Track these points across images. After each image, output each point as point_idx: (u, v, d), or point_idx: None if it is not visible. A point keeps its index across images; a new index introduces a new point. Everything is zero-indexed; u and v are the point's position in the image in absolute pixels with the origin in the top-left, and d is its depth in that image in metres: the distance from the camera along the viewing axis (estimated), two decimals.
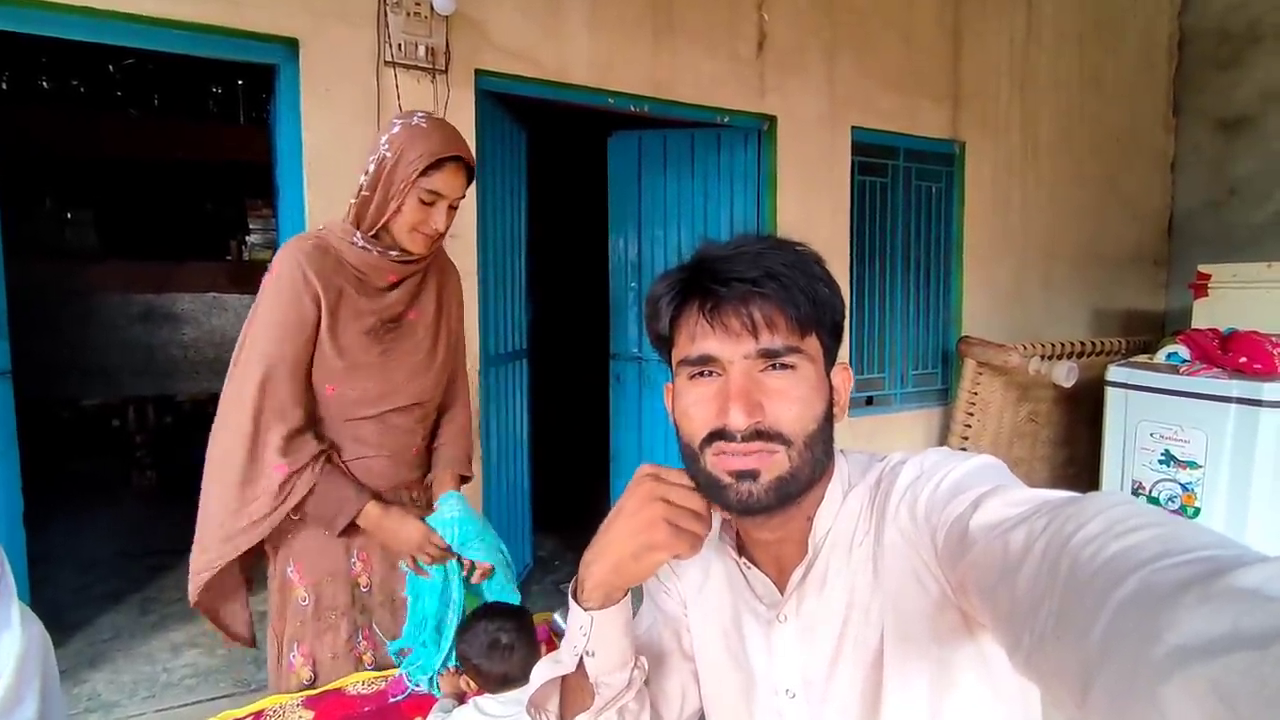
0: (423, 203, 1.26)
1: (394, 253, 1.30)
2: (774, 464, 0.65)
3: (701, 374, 0.68)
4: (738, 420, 0.64)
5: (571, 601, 0.73)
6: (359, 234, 1.30)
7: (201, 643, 2.70)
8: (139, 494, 4.57)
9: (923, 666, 0.64)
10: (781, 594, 0.73)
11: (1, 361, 2.39)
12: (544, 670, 0.76)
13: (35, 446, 3.25)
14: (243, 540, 1.21)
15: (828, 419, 0.69)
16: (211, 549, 1.22)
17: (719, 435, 0.65)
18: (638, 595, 0.81)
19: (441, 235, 1.31)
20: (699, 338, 0.67)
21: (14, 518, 2.40)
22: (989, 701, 0.65)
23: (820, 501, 0.71)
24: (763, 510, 0.66)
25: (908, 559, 0.64)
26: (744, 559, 0.76)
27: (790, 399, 0.65)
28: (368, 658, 1.37)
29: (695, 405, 0.67)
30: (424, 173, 1.24)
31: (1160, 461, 2.94)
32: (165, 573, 3.35)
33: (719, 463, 0.66)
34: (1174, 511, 2.86)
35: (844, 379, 0.73)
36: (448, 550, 1.27)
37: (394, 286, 1.33)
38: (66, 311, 4.77)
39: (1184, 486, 2.87)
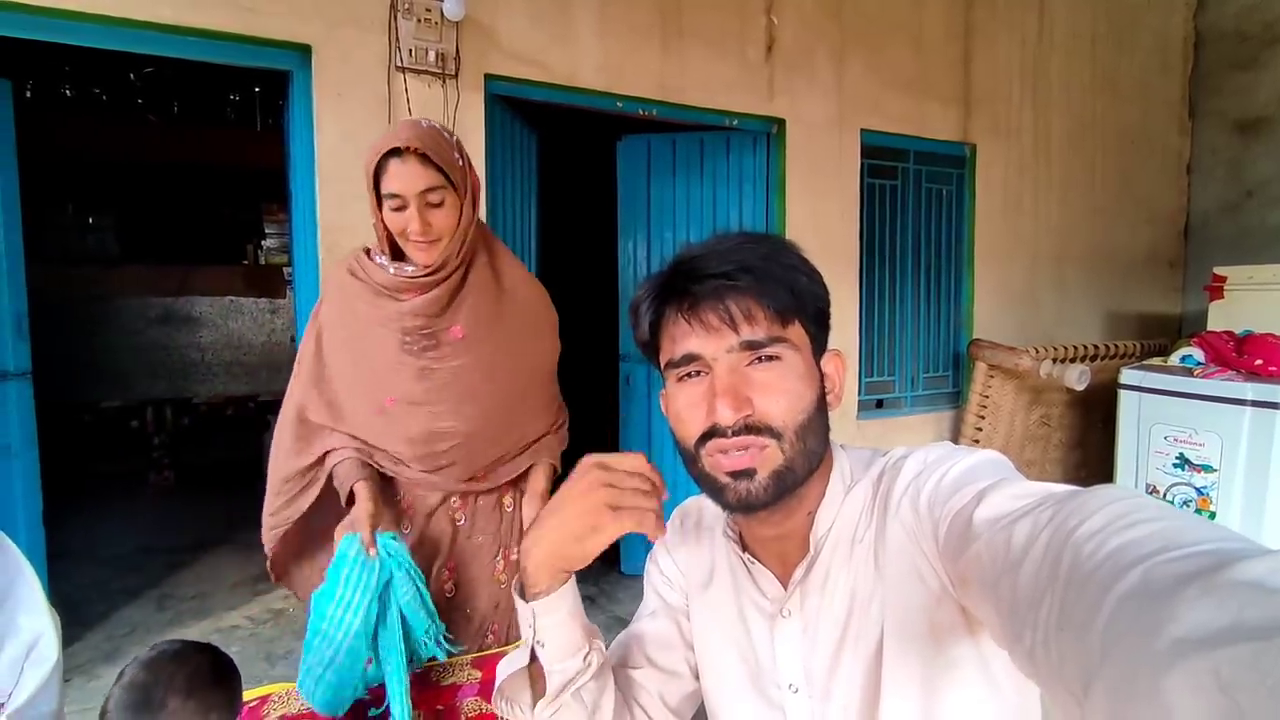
0: (394, 210, 1.20)
1: (409, 268, 1.26)
2: (768, 459, 0.65)
3: (689, 375, 0.68)
4: (725, 415, 0.64)
5: (515, 596, 0.72)
6: (380, 255, 1.29)
7: (214, 639, 2.72)
8: (156, 493, 4.64)
9: (920, 662, 0.64)
10: (785, 590, 0.73)
11: (22, 363, 2.45)
12: (507, 664, 0.77)
13: (56, 448, 3.32)
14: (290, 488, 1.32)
15: (820, 408, 0.69)
16: (272, 504, 1.34)
17: (711, 434, 0.66)
18: (635, 592, 0.81)
19: (440, 239, 1.22)
20: (680, 338, 0.67)
21: (34, 516, 2.45)
22: (986, 699, 0.64)
23: (821, 497, 0.71)
24: (762, 506, 0.66)
25: (909, 554, 0.64)
26: (748, 555, 0.76)
27: (778, 390, 0.65)
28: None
29: (686, 408, 0.68)
30: (377, 178, 1.19)
31: (1175, 465, 2.91)
32: (181, 570, 3.41)
33: (715, 463, 0.66)
34: None
35: (837, 365, 0.72)
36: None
37: (417, 297, 1.27)
38: (87, 315, 4.87)
39: (1199, 490, 2.83)
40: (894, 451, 0.72)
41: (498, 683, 0.77)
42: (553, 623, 0.71)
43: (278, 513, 1.34)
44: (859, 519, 0.70)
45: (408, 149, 1.16)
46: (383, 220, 1.23)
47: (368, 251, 1.33)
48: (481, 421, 1.33)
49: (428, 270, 1.24)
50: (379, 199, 1.21)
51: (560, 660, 0.72)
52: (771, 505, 0.67)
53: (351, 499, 1.28)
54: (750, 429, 0.65)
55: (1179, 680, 0.29)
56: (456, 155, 1.24)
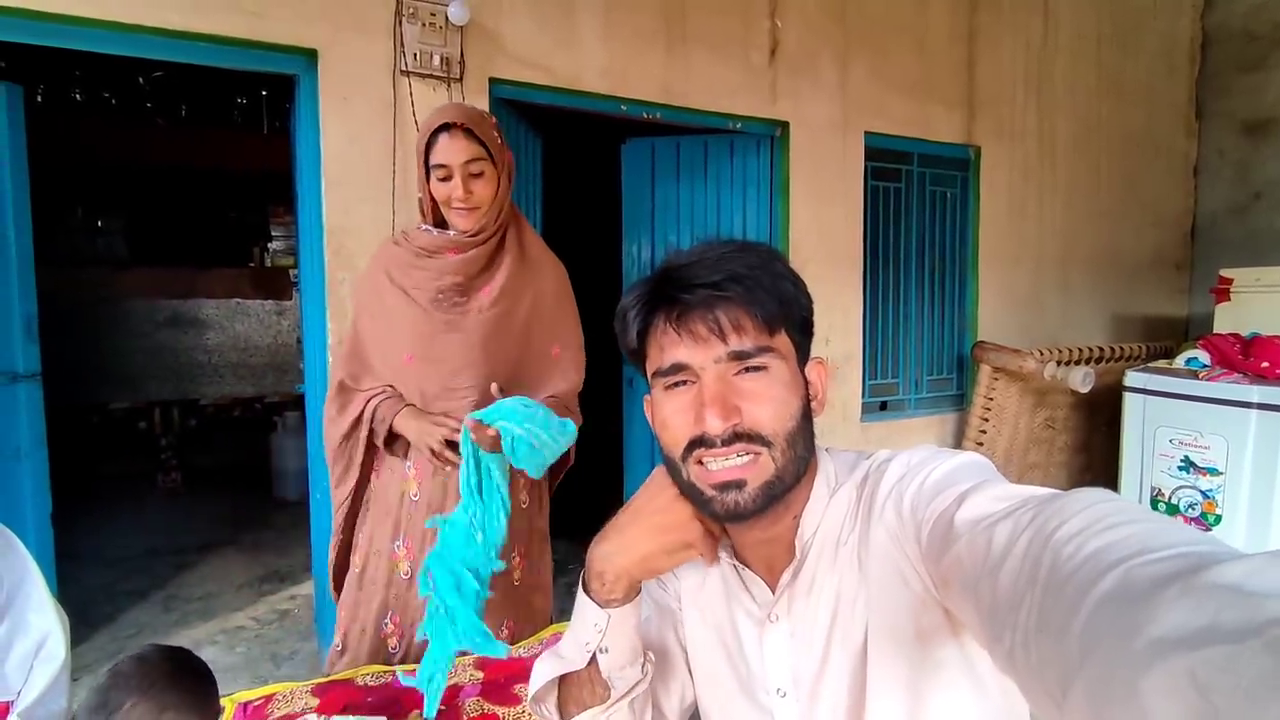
0: (440, 180, 1.37)
1: (451, 232, 1.42)
2: (759, 470, 0.66)
3: (676, 384, 0.68)
4: (714, 425, 0.64)
5: (584, 597, 0.71)
6: (425, 224, 1.46)
7: (221, 640, 2.75)
8: (164, 494, 4.67)
9: (904, 664, 0.64)
10: (773, 594, 0.74)
11: (32, 365, 2.47)
12: (548, 667, 0.75)
13: (66, 449, 3.34)
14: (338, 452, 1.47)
15: (805, 415, 0.69)
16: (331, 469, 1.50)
17: (699, 443, 0.66)
18: None
19: (479, 207, 1.38)
20: (668, 347, 0.68)
21: (43, 517, 2.47)
22: (972, 701, 0.65)
23: (806, 501, 0.72)
24: (750, 515, 0.67)
25: (892, 556, 0.64)
26: (737, 562, 0.76)
27: (766, 399, 0.66)
28: (392, 641, 1.43)
29: (672, 415, 0.68)
30: (428, 151, 1.36)
31: (1180, 468, 2.89)
32: (188, 571, 3.43)
33: (700, 474, 0.67)
34: (1195, 519, 2.81)
35: (820, 373, 0.73)
36: (476, 427, 1.14)
37: (456, 257, 1.42)
38: (96, 317, 4.90)
39: (1204, 494, 2.82)
40: (878, 454, 0.72)
41: (534, 687, 0.77)
42: (621, 632, 0.71)
43: (338, 485, 1.48)
44: (843, 522, 0.71)
45: (455, 125, 1.35)
46: (430, 192, 1.40)
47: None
48: (492, 377, 1.42)
49: (468, 234, 1.40)
50: (427, 172, 1.38)
51: (620, 668, 0.72)
52: (760, 514, 0.67)
53: (391, 439, 1.41)
54: (739, 437, 0.65)
55: (1156, 682, 0.30)
56: (495, 134, 1.42)
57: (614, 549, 0.70)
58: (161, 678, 0.87)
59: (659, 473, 0.72)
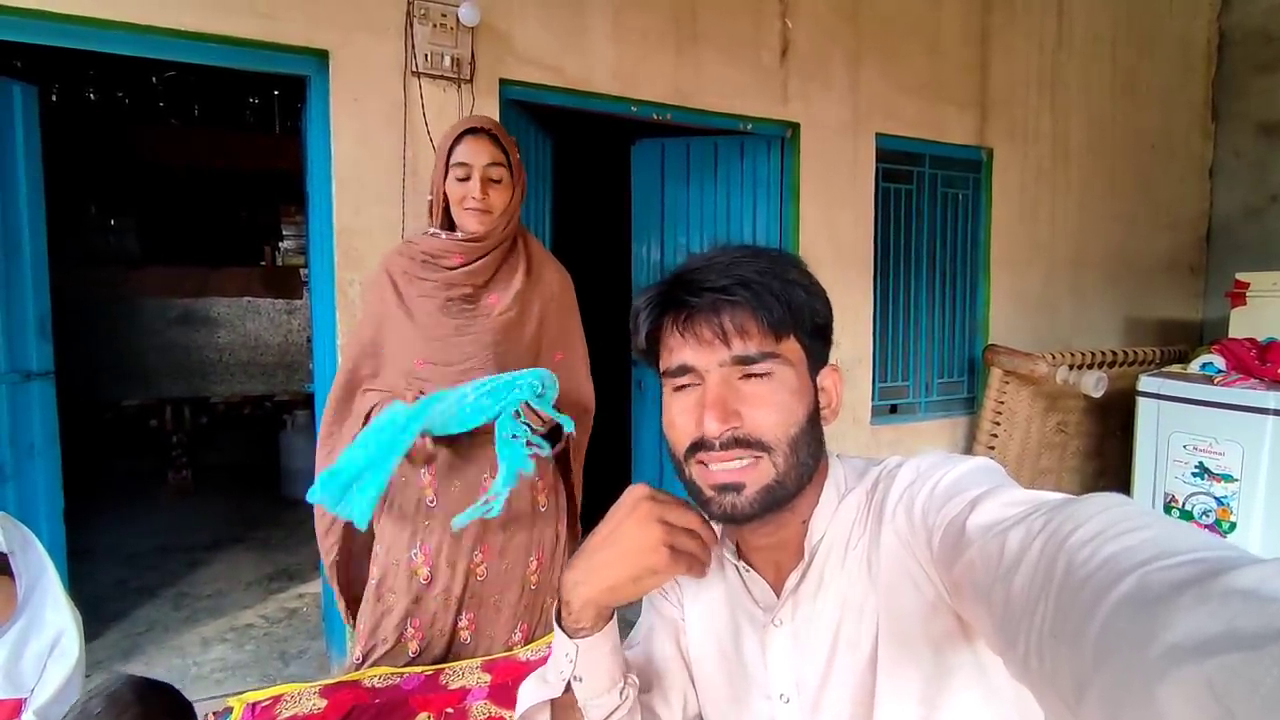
0: (459, 180, 1.42)
1: (459, 234, 1.45)
2: (759, 474, 0.66)
3: (683, 385, 0.69)
4: (712, 428, 0.65)
5: (556, 626, 0.72)
6: (432, 226, 1.50)
7: (230, 638, 2.77)
8: (174, 492, 4.70)
9: (916, 670, 0.64)
10: (778, 597, 0.73)
11: (45, 363, 2.49)
12: (531, 691, 0.75)
13: (78, 446, 3.37)
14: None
15: (812, 422, 0.69)
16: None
17: (700, 445, 0.66)
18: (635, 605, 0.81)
19: (492, 211, 1.42)
20: (675, 349, 0.69)
21: (55, 514, 2.49)
22: (984, 706, 0.64)
23: (815, 506, 0.72)
24: (748, 519, 0.67)
25: (903, 562, 0.64)
26: (743, 563, 0.76)
27: (768, 405, 0.66)
28: (413, 646, 1.44)
29: (678, 416, 0.68)
30: (451, 151, 1.43)
31: (1194, 474, 2.86)
32: (199, 568, 3.45)
33: (701, 474, 0.67)
34: (1209, 526, 2.78)
35: (834, 380, 0.73)
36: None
37: (461, 267, 1.45)
38: (109, 315, 4.94)
39: (1219, 500, 2.79)
40: (888, 460, 0.72)
41: (520, 708, 0.77)
42: (593, 659, 0.70)
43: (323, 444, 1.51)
44: (852, 526, 0.70)
45: (481, 129, 1.44)
46: (444, 192, 1.45)
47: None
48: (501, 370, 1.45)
49: (475, 237, 1.43)
50: (446, 172, 1.44)
51: (596, 695, 0.72)
52: (759, 518, 0.67)
53: None
54: (739, 442, 0.65)
55: (1172, 688, 0.30)
56: (515, 150, 1.50)
57: (579, 577, 0.69)
58: (125, 711, 0.88)
59: (630, 493, 0.71)
